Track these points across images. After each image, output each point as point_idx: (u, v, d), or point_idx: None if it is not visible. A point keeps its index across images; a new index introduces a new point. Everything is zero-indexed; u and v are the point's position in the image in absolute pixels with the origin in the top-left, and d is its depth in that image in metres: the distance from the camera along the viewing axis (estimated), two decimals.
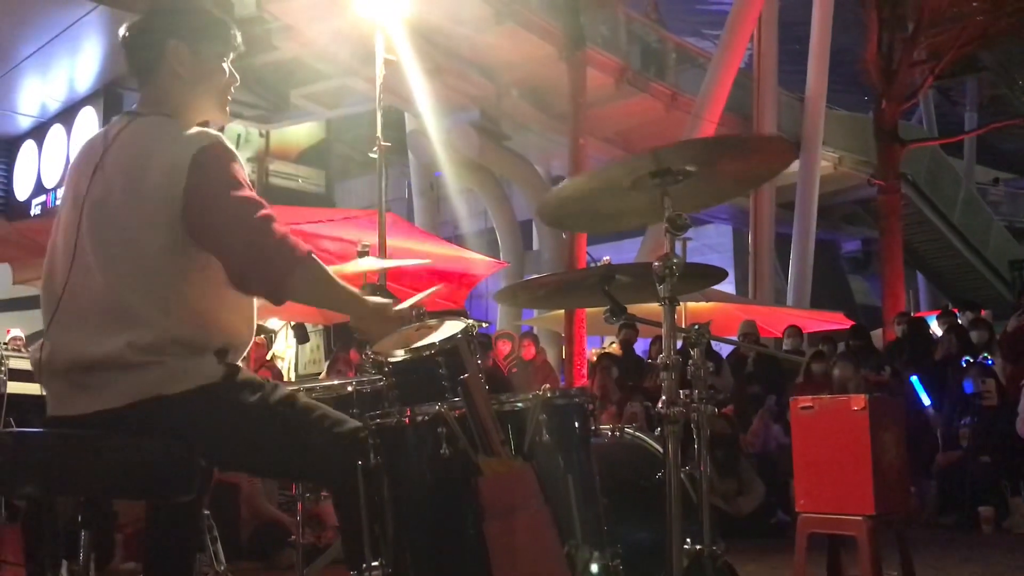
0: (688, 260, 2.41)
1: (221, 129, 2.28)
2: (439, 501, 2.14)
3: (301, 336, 9.36)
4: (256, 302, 2.25)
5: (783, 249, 16.55)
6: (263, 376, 2.35)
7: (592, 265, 11.22)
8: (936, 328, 9.65)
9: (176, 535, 2.34)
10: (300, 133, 19.61)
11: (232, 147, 2.16)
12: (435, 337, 2.37)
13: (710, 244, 19.77)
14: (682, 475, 2.28)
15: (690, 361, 2.39)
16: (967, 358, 7.97)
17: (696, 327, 2.42)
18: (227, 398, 2.10)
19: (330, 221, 7.53)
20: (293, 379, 9.90)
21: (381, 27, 5.37)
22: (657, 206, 2.32)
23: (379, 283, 4.26)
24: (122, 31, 2.28)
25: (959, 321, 9.18)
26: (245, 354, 2.23)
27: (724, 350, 9.61)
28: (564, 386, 10.30)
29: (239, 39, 2.31)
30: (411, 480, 2.16)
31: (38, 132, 17.50)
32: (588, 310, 10.22)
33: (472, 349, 2.34)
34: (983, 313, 10.21)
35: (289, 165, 19.52)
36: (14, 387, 4.49)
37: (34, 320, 2.91)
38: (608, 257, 2.71)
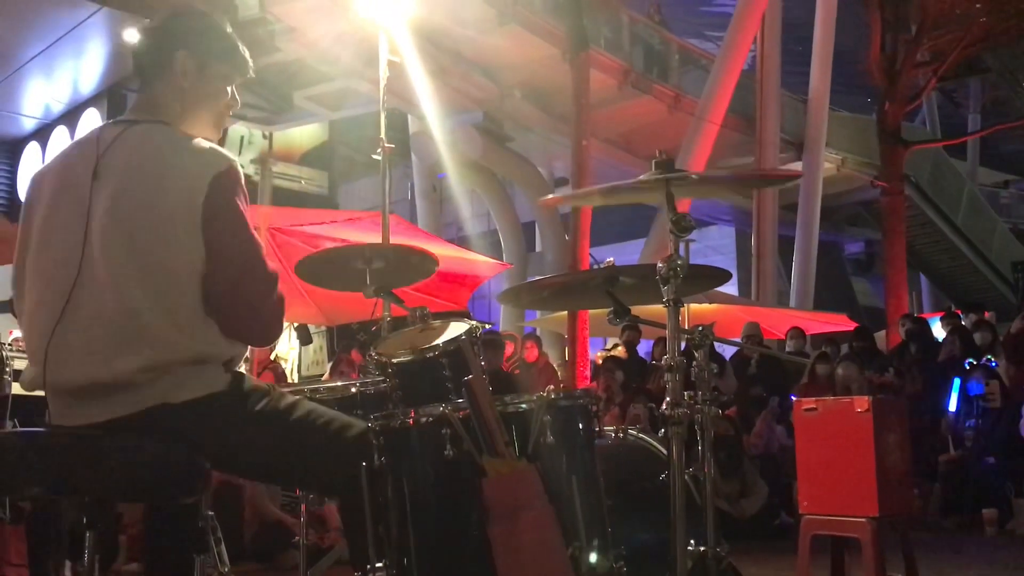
0: (691, 262, 2.41)
1: (224, 132, 2.29)
2: (443, 502, 2.14)
3: (304, 337, 9.37)
4: None
5: (786, 251, 16.53)
6: (266, 378, 2.36)
7: (595, 267, 11.23)
8: (939, 330, 9.64)
9: (175, 536, 2.34)
10: (303, 135, 19.60)
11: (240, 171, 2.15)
12: (439, 338, 2.37)
13: (713, 246, 19.75)
14: (686, 477, 2.28)
15: (694, 363, 2.39)
16: (970, 360, 7.97)
17: (700, 328, 2.42)
18: (233, 406, 2.09)
19: (333, 223, 7.53)
20: (296, 380, 9.90)
21: (384, 29, 5.37)
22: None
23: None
24: (137, 30, 2.28)
25: (962, 323, 9.17)
26: (248, 355, 2.24)
27: (727, 352, 9.61)
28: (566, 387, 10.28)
29: (250, 68, 2.31)
30: (415, 481, 2.16)
31: (42, 134, 17.51)
32: (590, 311, 10.21)
33: (476, 350, 2.34)
34: (986, 315, 10.20)
35: (292, 167, 19.51)
36: (19, 388, 4.47)
37: None
38: (612, 259, 2.72)
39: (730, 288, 14.70)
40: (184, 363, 2.04)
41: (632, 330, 9.17)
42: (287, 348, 11.24)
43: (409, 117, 14.52)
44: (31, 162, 17.91)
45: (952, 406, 7.72)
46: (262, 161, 17.44)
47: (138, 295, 2.00)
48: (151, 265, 2.01)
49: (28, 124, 17.70)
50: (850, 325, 11.49)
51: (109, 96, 15.90)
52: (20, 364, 4.71)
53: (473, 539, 2.03)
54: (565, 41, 12.11)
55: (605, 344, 13.14)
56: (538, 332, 12.34)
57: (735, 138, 15.51)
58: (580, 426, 2.28)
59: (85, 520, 2.08)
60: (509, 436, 2.07)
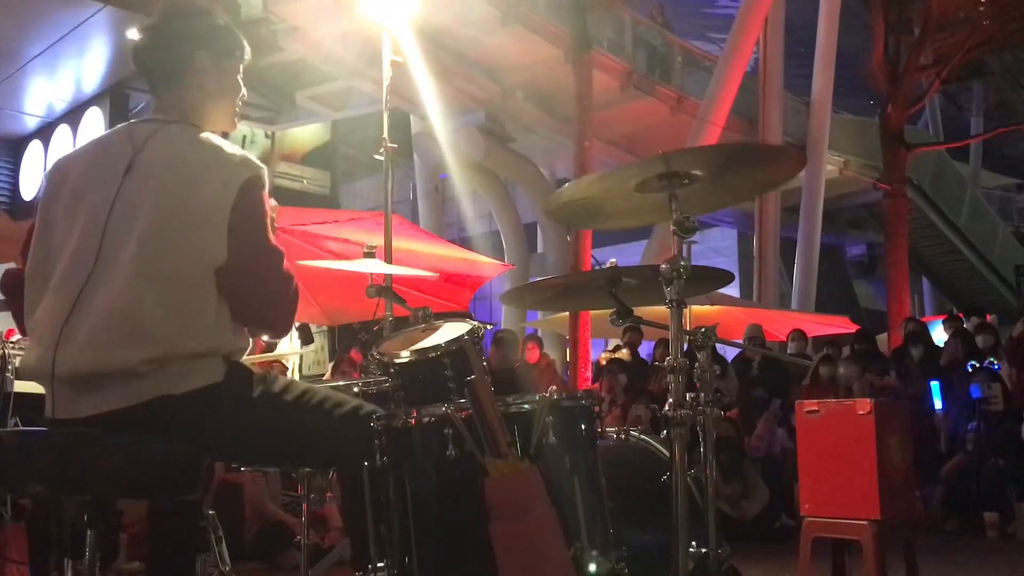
0: (692, 263, 2.41)
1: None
2: (445, 503, 2.14)
3: (305, 337, 9.36)
4: None
5: (788, 253, 16.53)
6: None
7: (597, 268, 11.23)
8: (942, 334, 9.63)
9: (176, 535, 2.34)
10: (306, 134, 19.62)
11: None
12: (441, 338, 2.37)
13: (715, 247, 19.74)
14: (688, 478, 2.27)
15: (696, 364, 2.39)
16: (973, 363, 7.96)
17: (702, 330, 2.41)
18: (231, 394, 2.12)
19: (335, 222, 7.53)
20: (297, 380, 9.89)
21: (387, 29, 5.36)
22: (663, 207, 2.32)
23: (385, 284, 4.26)
24: (139, 33, 2.29)
25: (964, 326, 9.16)
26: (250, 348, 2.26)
27: (729, 353, 9.61)
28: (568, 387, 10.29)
29: (248, 51, 2.37)
30: (417, 481, 2.16)
31: (44, 132, 17.55)
32: (592, 312, 10.21)
33: (478, 350, 2.34)
34: (988, 318, 10.19)
35: (295, 166, 19.53)
36: (20, 386, 4.47)
37: None
38: (615, 259, 2.71)
39: (732, 290, 14.68)
40: (186, 357, 2.06)
41: (634, 331, 9.17)
42: (288, 348, 11.23)
43: (411, 117, 14.53)
44: (34, 160, 17.95)
45: (937, 405, 7.75)
46: (264, 161, 17.44)
47: (148, 292, 2.03)
48: (167, 262, 2.05)
49: (31, 122, 17.75)
50: (852, 327, 11.49)
51: (112, 95, 15.95)
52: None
53: (475, 540, 2.03)
54: (568, 42, 12.11)
55: (607, 345, 13.14)
56: (539, 333, 12.35)
57: (738, 140, 15.50)
58: (582, 427, 2.28)
59: (86, 518, 2.08)
60: (511, 437, 2.07)
